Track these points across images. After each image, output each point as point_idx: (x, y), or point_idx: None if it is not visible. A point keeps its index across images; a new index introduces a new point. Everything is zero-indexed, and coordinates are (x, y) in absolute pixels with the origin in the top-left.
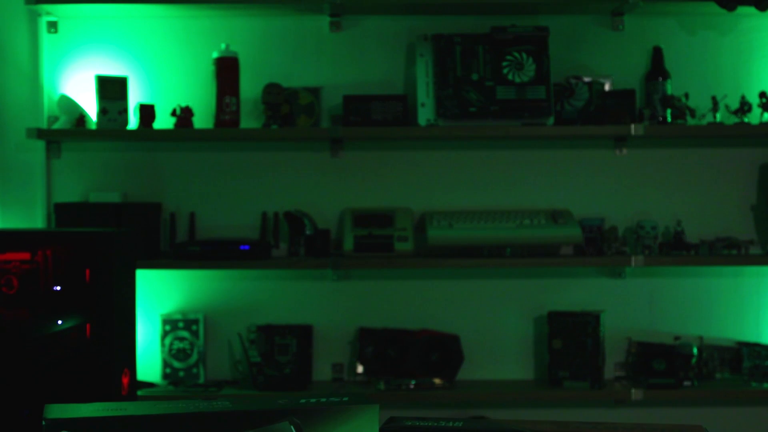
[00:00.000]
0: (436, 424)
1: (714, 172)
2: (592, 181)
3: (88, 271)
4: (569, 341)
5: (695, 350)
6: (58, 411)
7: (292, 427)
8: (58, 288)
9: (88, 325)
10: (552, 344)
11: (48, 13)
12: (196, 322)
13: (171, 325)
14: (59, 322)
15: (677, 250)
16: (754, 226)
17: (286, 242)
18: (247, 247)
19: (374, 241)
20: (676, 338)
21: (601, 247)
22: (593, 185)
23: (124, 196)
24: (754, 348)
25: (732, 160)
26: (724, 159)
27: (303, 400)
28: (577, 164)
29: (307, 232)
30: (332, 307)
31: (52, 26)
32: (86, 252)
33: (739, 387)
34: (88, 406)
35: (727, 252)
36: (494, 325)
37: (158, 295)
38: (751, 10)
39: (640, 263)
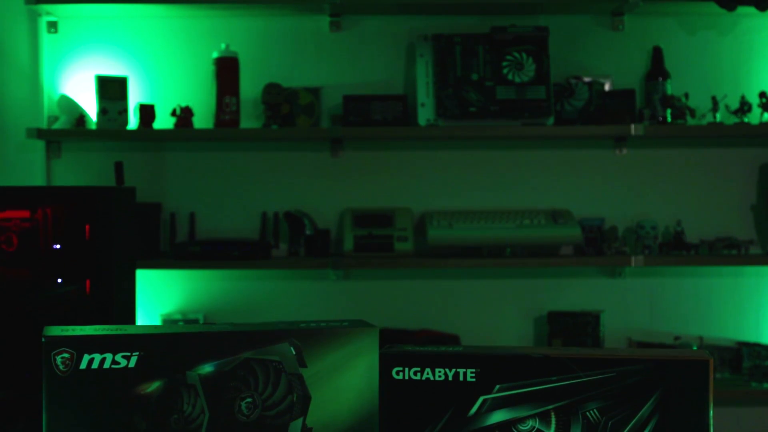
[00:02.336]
0: (435, 349)
1: (714, 172)
2: (592, 181)
3: (87, 227)
4: (569, 341)
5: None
6: (58, 331)
7: (291, 349)
8: (58, 246)
9: (87, 282)
10: (552, 344)
11: (48, 13)
12: (196, 322)
13: None
14: (59, 280)
15: (677, 250)
16: (754, 226)
17: (286, 242)
18: (247, 247)
19: (374, 241)
20: (676, 338)
21: (601, 247)
22: (593, 185)
23: None
24: (754, 348)
25: (732, 160)
26: (724, 159)
27: (303, 324)
28: (577, 164)
29: (307, 232)
30: (332, 307)
31: (52, 26)
32: (86, 208)
33: (739, 387)
34: (88, 327)
35: (727, 252)
36: (494, 325)
37: (158, 295)
38: (751, 10)
39: (640, 263)
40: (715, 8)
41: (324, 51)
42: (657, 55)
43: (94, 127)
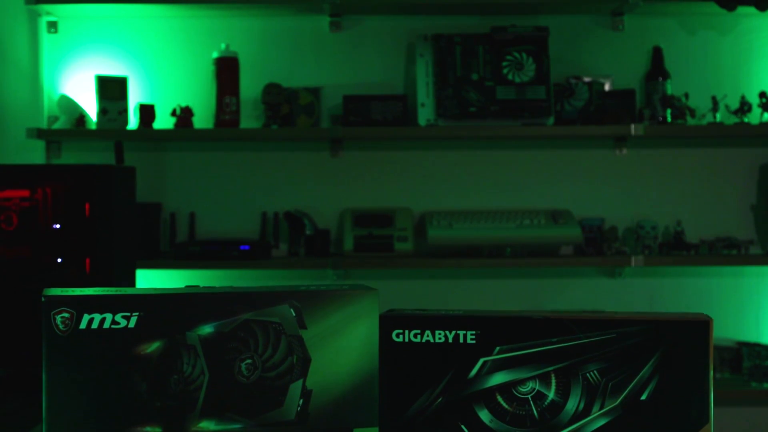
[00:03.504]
0: (435, 312)
1: (714, 172)
2: (592, 181)
3: (87, 206)
4: None
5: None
6: (58, 291)
7: (291, 311)
8: (58, 226)
9: (87, 260)
10: None
11: (48, 13)
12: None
13: None
14: (59, 260)
15: (677, 250)
16: (754, 226)
17: (286, 242)
18: (247, 247)
19: (374, 241)
20: None
21: (600, 247)
22: (593, 185)
23: None
24: (754, 348)
25: (732, 160)
26: (724, 159)
27: (303, 287)
28: (577, 164)
29: (307, 232)
30: None
31: (52, 26)
32: (86, 187)
33: (739, 387)
34: (87, 289)
35: (727, 252)
36: None
37: None
38: (751, 10)
39: (639, 263)
40: (715, 8)
41: (324, 51)
42: (657, 55)
43: (94, 127)
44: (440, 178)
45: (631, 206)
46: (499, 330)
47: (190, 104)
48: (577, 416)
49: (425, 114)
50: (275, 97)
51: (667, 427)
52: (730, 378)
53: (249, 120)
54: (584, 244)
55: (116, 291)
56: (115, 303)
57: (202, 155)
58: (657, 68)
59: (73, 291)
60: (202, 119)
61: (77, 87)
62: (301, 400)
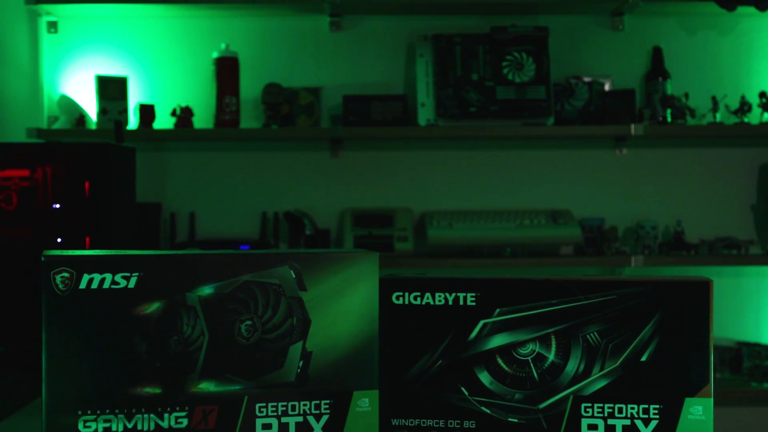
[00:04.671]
0: (435, 274)
1: (714, 172)
2: (592, 181)
3: (87, 185)
4: None
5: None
6: (57, 252)
7: (291, 272)
8: (58, 206)
9: (87, 239)
10: None
11: (48, 13)
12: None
13: None
14: (59, 240)
15: (677, 250)
16: (754, 226)
17: (286, 242)
18: (247, 247)
19: (374, 241)
20: None
21: (601, 247)
22: (593, 185)
23: None
24: (754, 348)
25: (732, 160)
26: (724, 159)
27: (303, 251)
28: (577, 164)
29: (307, 232)
30: None
31: (52, 26)
32: (85, 165)
33: (739, 387)
34: (87, 251)
35: (727, 252)
36: None
37: None
38: (751, 10)
39: (639, 263)
40: (715, 8)
41: (324, 51)
42: (657, 55)
43: (94, 127)
44: (440, 178)
45: (631, 206)
46: (499, 292)
47: (190, 104)
48: (577, 378)
49: (425, 114)
50: (275, 97)
51: (667, 388)
52: (730, 378)
53: (249, 120)
54: (584, 244)
55: (116, 252)
56: (115, 263)
57: (202, 155)
58: (657, 68)
59: (72, 252)
60: (202, 119)
61: (77, 87)
62: (301, 362)
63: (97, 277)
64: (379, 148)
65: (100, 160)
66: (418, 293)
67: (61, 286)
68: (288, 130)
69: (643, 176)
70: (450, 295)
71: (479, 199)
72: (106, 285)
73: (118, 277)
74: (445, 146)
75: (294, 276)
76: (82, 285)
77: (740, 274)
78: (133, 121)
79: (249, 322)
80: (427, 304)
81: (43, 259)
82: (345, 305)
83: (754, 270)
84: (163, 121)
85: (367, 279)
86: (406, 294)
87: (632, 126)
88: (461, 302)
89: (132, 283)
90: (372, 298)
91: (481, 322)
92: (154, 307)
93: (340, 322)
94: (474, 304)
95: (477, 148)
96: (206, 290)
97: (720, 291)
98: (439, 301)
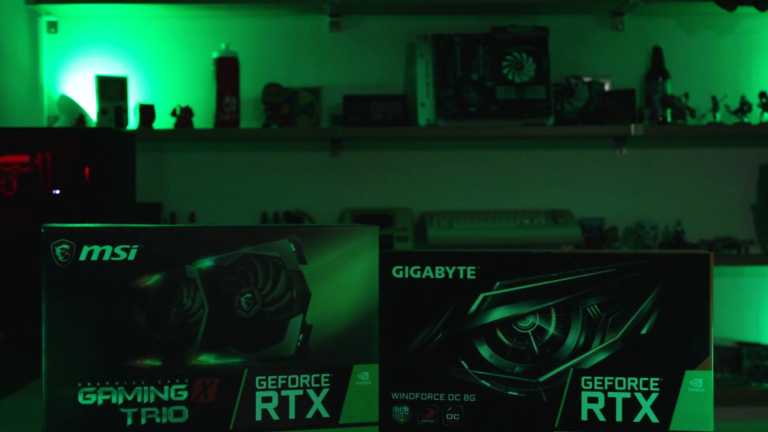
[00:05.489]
0: (435, 249)
1: (714, 172)
2: (592, 181)
3: (87, 170)
4: None
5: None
6: (57, 224)
7: (291, 245)
8: (58, 191)
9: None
10: None
11: (48, 13)
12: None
13: None
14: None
15: (677, 250)
16: (754, 226)
17: None
18: None
19: None
20: None
21: (601, 246)
22: (593, 185)
23: None
24: (754, 348)
25: (732, 160)
26: (724, 159)
27: (303, 224)
28: (577, 164)
29: None
30: None
31: (52, 26)
32: (85, 151)
33: (739, 387)
34: (87, 224)
35: (727, 252)
36: None
37: None
38: (751, 10)
39: None
40: (715, 8)
41: (324, 51)
42: (657, 55)
43: (94, 126)
44: (440, 178)
45: (631, 206)
46: (499, 265)
47: (190, 104)
48: (577, 351)
49: (425, 114)
50: (275, 97)
51: (668, 360)
52: (730, 378)
53: (249, 120)
54: (584, 244)
55: (116, 225)
56: (115, 235)
57: (202, 155)
58: (657, 68)
59: (72, 224)
60: (202, 119)
61: (77, 87)
62: (301, 336)
63: (96, 249)
64: (379, 148)
65: (100, 145)
66: (419, 267)
67: (60, 258)
68: (288, 130)
69: (643, 176)
70: (450, 268)
71: (479, 199)
72: (105, 257)
73: (117, 249)
74: (445, 146)
75: (294, 249)
76: (82, 257)
77: (740, 274)
78: (133, 121)
79: (249, 295)
80: (428, 277)
81: (42, 230)
82: (345, 279)
83: (754, 270)
84: (163, 121)
85: (367, 252)
86: (406, 267)
87: (632, 126)
88: (461, 276)
89: (132, 256)
90: (372, 272)
91: (482, 296)
92: (153, 279)
93: (340, 295)
94: (474, 277)
95: (477, 148)
96: (206, 263)
97: (720, 291)
98: (440, 274)
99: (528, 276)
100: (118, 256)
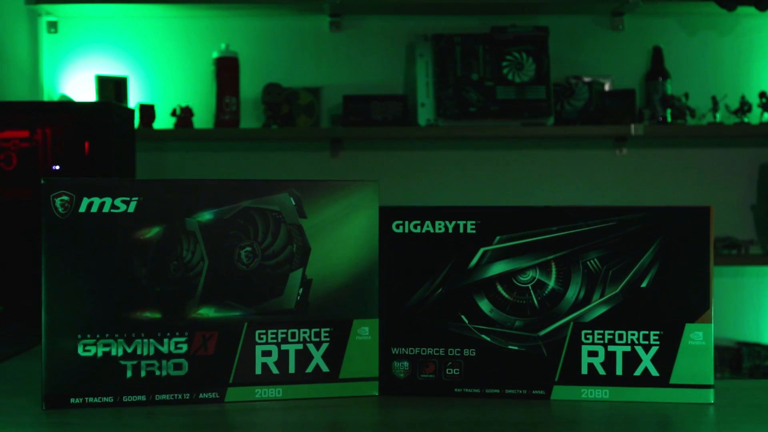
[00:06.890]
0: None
1: (714, 172)
2: (592, 181)
3: (87, 144)
4: None
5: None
6: (57, 177)
7: (291, 199)
8: (57, 167)
9: None
10: None
11: (48, 13)
12: None
13: None
14: None
15: None
16: (754, 226)
17: None
18: None
19: None
20: None
21: None
22: (593, 185)
23: None
24: (754, 348)
25: (732, 160)
26: (724, 159)
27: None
28: (577, 164)
29: None
30: None
31: (52, 26)
32: (85, 125)
33: None
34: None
35: (727, 252)
36: None
37: None
38: (751, 10)
39: None
40: (715, 8)
41: (324, 51)
42: (657, 55)
43: None
44: (440, 178)
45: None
46: (499, 220)
47: (190, 104)
48: (578, 304)
49: (425, 114)
50: (275, 97)
51: (668, 314)
52: (730, 378)
53: (249, 120)
54: None
55: (116, 178)
56: (115, 187)
57: (202, 155)
58: (657, 68)
59: (72, 177)
60: (202, 119)
61: (77, 87)
62: (301, 290)
63: (96, 200)
64: (379, 148)
65: (99, 119)
66: (418, 221)
67: (60, 210)
68: (288, 130)
69: (643, 176)
70: (450, 223)
71: (479, 199)
72: (105, 209)
73: (117, 201)
74: (445, 146)
75: (294, 203)
76: (82, 208)
77: (740, 274)
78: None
79: (249, 249)
80: (427, 232)
81: (42, 182)
82: (345, 233)
83: (754, 270)
84: (163, 121)
85: (367, 207)
86: (406, 222)
87: (632, 126)
88: (461, 230)
89: (132, 208)
90: (372, 227)
91: (482, 250)
92: (153, 231)
93: (340, 250)
94: (474, 231)
95: (477, 148)
96: (206, 216)
97: (720, 291)
98: (439, 229)
99: (528, 230)
100: (117, 208)
